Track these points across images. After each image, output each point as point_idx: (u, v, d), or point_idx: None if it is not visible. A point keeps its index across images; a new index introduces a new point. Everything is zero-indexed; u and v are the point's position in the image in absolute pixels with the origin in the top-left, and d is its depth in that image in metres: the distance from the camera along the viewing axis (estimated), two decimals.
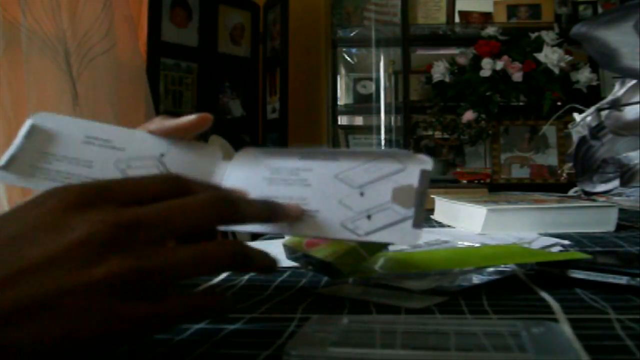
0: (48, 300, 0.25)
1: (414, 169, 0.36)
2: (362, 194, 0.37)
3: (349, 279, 0.46)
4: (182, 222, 0.30)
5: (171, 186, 0.32)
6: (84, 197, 0.29)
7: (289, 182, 0.39)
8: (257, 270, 0.34)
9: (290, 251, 0.47)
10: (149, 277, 0.28)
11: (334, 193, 0.37)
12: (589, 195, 1.30)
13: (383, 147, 2.65)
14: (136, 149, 0.41)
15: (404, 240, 0.36)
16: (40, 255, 0.26)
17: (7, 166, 0.39)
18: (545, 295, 0.41)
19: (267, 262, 0.34)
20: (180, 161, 0.41)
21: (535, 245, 0.64)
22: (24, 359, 0.24)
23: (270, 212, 0.36)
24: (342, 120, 2.89)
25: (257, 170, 0.40)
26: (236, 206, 0.33)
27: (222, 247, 0.31)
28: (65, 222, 0.27)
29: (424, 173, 0.36)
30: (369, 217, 0.36)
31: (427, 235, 0.73)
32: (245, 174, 0.40)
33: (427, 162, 0.36)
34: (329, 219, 0.37)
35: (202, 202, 0.31)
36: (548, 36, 2.46)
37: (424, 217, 0.36)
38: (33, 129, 0.40)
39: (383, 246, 0.43)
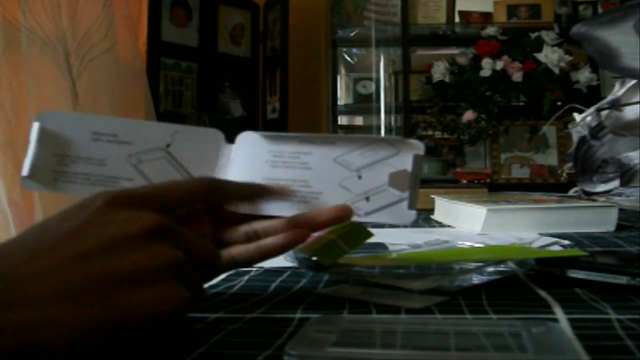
0: (113, 280, 0.28)
1: (407, 154, 0.39)
2: (360, 177, 0.40)
3: (347, 278, 0.46)
4: (175, 201, 0.36)
5: (203, 192, 0.37)
6: (124, 200, 0.32)
7: (290, 165, 0.41)
8: (236, 199, 0.39)
9: (287, 252, 0.47)
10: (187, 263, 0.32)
11: (333, 176, 0.40)
12: (589, 195, 1.30)
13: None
14: (143, 141, 0.42)
15: (401, 220, 0.39)
16: (97, 244, 0.29)
17: (31, 175, 0.41)
18: (545, 295, 0.41)
19: (245, 192, 0.39)
20: (186, 149, 0.42)
21: (535, 245, 0.64)
22: (89, 338, 0.26)
23: (252, 191, 0.40)
24: (342, 120, 2.89)
25: (259, 153, 0.42)
26: (220, 186, 0.38)
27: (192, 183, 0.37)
28: (113, 219, 0.30)
29: (417, 158, 0.39)
30: (367, 198, 0.39)
31: (427, 235, 0.73)
32: (248, 157, 0.42)
33: (419, 148, 0.40)
34: (331, 201, 0.40)
35: (191, 185, 0.37)
36: (548, 36, 2.46)
37: (417, 198, 0.39)
38: (43, 132, 0.41)
39: (362, 241, 0.44)
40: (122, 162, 0.41)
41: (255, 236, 0.40)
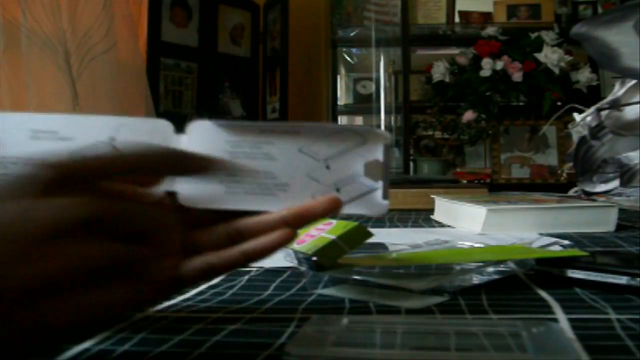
0: (33, 289, 0.26)
1: (376, 143, 0.38)
2: (328, 167, 0.38)
3: (347, 278, 0.46)
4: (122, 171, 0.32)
5: (155, 160, 0.32)
6: (61, 177, 0.28)
7: (252, 156, 0.38)
8: (193, 172, 0.35)
9: (286, 252, 0.47)
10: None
11: (300, 166, 0.38)
12: (589, 195, 1.31)
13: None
14: (85, 135, 0.39)
15: (374, 210, 0.38)
16: (23, 243, 0.26)
17: None
18: (545, 295, 0.41)
19: (199, 163, 0.35)
20: (132, 141, 0.39)
21: (535, 245, 0.64)
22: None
23: (205, 163, 0.35)
24: (342, 120, 2.88)
25: (216, 144, 0.38)
26: (176, 155, 0.34)
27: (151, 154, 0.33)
28: (44, 207, 0.27)
29: (386, 148, 0.38)
30: (337, 189, 0.38)
31: (427, 235, 0.73)
32: (204, 148, 0.38)
33: (387, 137, 0.38)
34: (299, 193, 0.37)
35: (142, 154, 0.32)
36: (548, 36, 2.46)
37: (388, 189, 0.38)
38: None
39: (362, 241, 0.44)
40: None
41: (239, 237, 0.35)
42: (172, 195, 0.37)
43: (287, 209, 0.36)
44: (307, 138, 0.38)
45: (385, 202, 0.38)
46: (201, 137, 0.39)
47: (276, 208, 0.37)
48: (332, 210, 0.36)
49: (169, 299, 0.36)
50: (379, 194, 0.38)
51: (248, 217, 0.36)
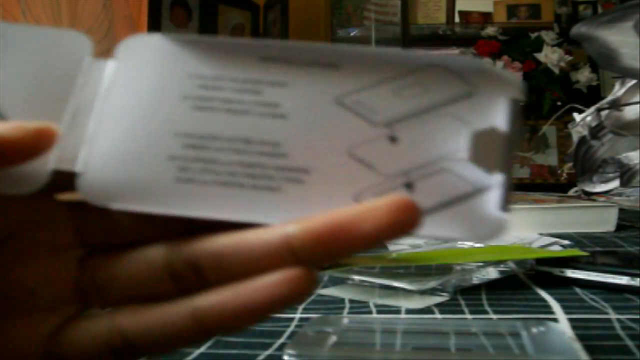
0: None
1: (494, 96, 0.19)
2: (393, 139, 0.19)
3: (348, 277, 0.46)
4: None
5: None
6: None
7: (241, 107, 0.20)
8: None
9: None
10: None
11: (336, 135, 0.19)
12: (589, 195, 1.31)
13: None
14: None
15: (480, 231, 0.18)
16: None
17: None
18: (545, 295, 0.41)
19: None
20: (8, 72, 0.20)
21: (535, 245, 0.64)
22: None
23: None
24: None
25: (170, 81, 0.20)
26: None
27: None
28: None
29: (513, 105, 0.19)
30: (408, 185, 0.19)
31: None
32: (148, 89, 0.20)
33: (514, 84, 0.20)
34: (330, 187, 0.19)
35: None
36: (548, 36, 2.46)
37: (513, 189, 0.19)
38: None
39: None
40: None
41: (195, 278, 0.18)
42: (67, 180, 0.19)
43: (300, 219, 0.18)
44: (354, 78, 0.19)
45: (503, 217, 0.18)
46: (141, 66, 0.21)
47: (279, 218, 0.19)
48: (398, 226, 0.17)
49: None
50: (491, 198, 0.19)
51: (218, 235, 0.18)
